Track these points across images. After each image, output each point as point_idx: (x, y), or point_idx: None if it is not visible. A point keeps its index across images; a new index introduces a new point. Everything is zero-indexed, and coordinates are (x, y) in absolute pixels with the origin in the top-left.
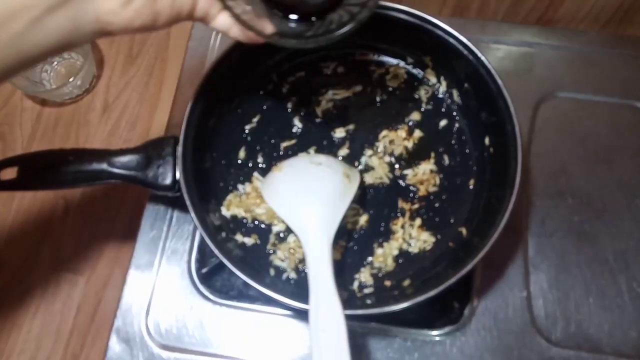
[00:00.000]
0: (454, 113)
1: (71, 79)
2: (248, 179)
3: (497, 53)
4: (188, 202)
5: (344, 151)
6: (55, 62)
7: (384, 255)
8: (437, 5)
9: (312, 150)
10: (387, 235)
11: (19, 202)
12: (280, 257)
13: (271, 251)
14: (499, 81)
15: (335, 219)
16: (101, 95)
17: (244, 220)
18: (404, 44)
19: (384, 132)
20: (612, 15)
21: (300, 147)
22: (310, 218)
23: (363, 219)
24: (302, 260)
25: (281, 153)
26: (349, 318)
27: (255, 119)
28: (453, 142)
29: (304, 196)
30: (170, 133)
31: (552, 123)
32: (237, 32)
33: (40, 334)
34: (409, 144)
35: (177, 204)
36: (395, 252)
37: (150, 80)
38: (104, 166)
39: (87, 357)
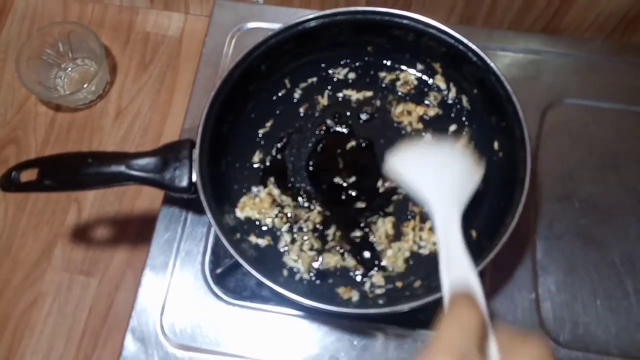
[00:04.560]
0: (463, 118)
1: (85, 85)
2: (262, 182)
3: (504, 60)
4: (205, 204)
5: None
6: (70, 68)
7: (395, 257)
8: (444, 13)
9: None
10: (399, 237)
11: (32, 204)
12: (294, 258)
13: (285, 252)
14: (508, 87)
15: (465, 194)
16: (114, 101)
17: (257, 222)
18: (414, 51)
19: None
20: (616, 24)
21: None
22: (443, 189)
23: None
24: (315, 261)
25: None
26: (361, 317)
27: (268, 124)
28: None
29: (439, 169)
30: (185, 137)
31: (559, 129)
32: None
33: (53, 334)
34: None
35: (191, 206)
36: (407, 254)
37: (162, 87)
38: (122, 168)
39: (99, 358)
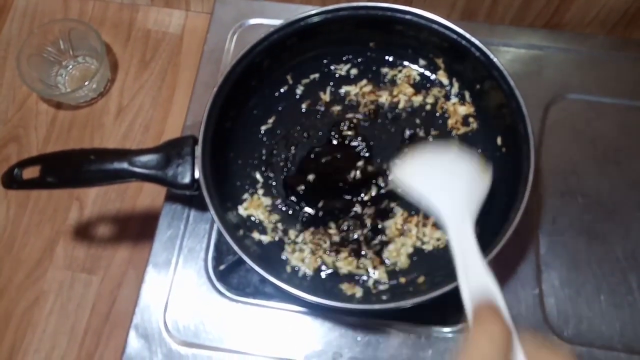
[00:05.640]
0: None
1: (86, 83)
2: (264, 179)
3: (506, 55)
4: (208, 200)
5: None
6: (71, 66)
7: (398, 253)
8: (445, 9)
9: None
10: (402, 232)
11: (34, 203)
12: (297, 256)
13: (287, 249)
14: (512, 82)
15: (475, 201)
16: (115, 98)
17: (260, 220)
18: (416, 47)
19: None
20: (618, 19)
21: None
22: (453, 197)
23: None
24: (318, 259)
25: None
26: (364, 313)
27: (270, 120)
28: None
29: (447, 177)
30: (187, 134)
31: (561, 124)
32: None
33: (55, 332)
34: None
35: (193, 203)
36: (410, 249)
37: (163, 85)
38: (125, 165)
39: (101, 356)
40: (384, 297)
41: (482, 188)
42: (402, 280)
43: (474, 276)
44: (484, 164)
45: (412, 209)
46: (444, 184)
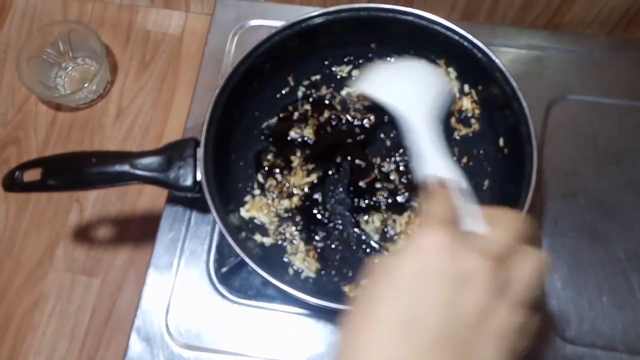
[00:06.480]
0: (468, 115)
1: (86, 84)
2: (265, 181)
3: (507, 56)
4: (210, 202)
5: None
6: (70, 68)
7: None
8: (446, 9)
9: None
10: (405, 234)
11: (34, 205)
12: (299, 258)
13: (290, 251)
14: (514, 83)
15: (435, 102)
16: (115, 100)
17: (262, 222)
18: (418, 48)
19: None
20: (619, 19)
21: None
22: (411, 100)
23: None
24: (320, 261)
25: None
26: None
27: (272, 121)
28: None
29: (408, 83)
30: (188, 136)
31: (563, 125)
32: None
33: (56, 335)
34: None
35: (195, 205)
36: None
37: (163, 86)
38: (126, 168)
39: (102, 359)
40: None
41: (442, 90)
42: None
43: (428, 164)
44: (443, 71)
45: (415, 211)
46: (406, 90)
